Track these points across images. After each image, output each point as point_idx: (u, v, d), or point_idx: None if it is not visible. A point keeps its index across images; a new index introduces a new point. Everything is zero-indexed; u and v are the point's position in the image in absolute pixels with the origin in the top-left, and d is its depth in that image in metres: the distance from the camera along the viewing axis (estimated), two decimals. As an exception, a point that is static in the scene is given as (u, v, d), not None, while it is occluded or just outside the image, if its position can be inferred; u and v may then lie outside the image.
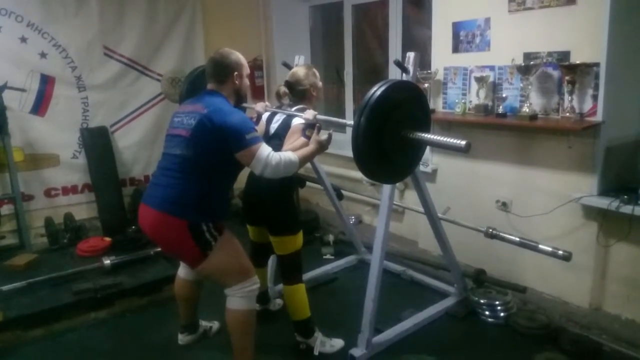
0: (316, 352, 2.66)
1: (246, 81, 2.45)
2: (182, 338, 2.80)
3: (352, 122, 2.11)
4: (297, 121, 2.54)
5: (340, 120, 2.50)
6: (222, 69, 2.36)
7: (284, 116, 2.67)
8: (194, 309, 2.78)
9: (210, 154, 2.22)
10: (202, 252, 2.27)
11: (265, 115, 2.78)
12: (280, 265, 2.73)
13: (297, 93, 2.73)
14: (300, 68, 2.80)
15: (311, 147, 2.36)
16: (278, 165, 2.19)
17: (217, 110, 2.21)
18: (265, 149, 2.20)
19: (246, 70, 2.44)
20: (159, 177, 2.34)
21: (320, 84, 2.79)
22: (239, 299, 2.35)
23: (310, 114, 2.48)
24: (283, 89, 2.85)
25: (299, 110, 2.62)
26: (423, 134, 2.13)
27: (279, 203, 2.61)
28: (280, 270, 2.75)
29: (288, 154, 2.26)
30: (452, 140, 2.03)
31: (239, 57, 2.41)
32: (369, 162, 2.13)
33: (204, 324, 2.89)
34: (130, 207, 4.65)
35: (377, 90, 2.04)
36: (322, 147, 2.36)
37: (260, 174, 2.21)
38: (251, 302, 2.40)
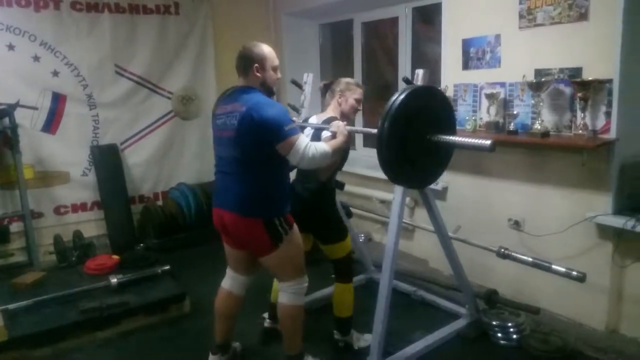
0: (356, 347, 2.84)
1: (271, 74, 2.43)
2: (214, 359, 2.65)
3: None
4: (326, 134, 2.62)
5: (365, 129, 2.71)
6: (243, 61, 2.40)
7: (313, 130, 2.76)
8: (232, 326, 2.66)
9: (257, 150, 2.29)
10: (273, 243, 2.36)
11: None
12: (334, 267, 2.85)
13: (327, 93, 2.87)
14: (345, 77, 2.89)
15: (340, 138, 2.48)
16: (314, 157, 2.29)
17: (255, 104, 2.26)
18: (303, 140, 2.29)
19: (270, 62, 2.41)
20: (223, 180, 2.44)
21: (350, 99, 2.78)
22: (291, 294, 2.48)
23: (335, 125, 2.54)
24: (321, 84, 2.98)
25: (327, 121, 2.68)
26: (447, 136, 2.17)
27: (322, 213, 2.73)
28: (334, 271, 2.86)
29: (322, 145, 2.37)
30: (476, 140, 2.08)
31: (262, 49, 2.40)
32: (394, 166, 2.21)
33: (233, 345, 2.76)
34: (139, 225, 4.65)
35: (399, 95, 2.13)
36: (349, 136, 2.53)
37: (297, 164, 2.33)
38: (301, 298, 2.53)
